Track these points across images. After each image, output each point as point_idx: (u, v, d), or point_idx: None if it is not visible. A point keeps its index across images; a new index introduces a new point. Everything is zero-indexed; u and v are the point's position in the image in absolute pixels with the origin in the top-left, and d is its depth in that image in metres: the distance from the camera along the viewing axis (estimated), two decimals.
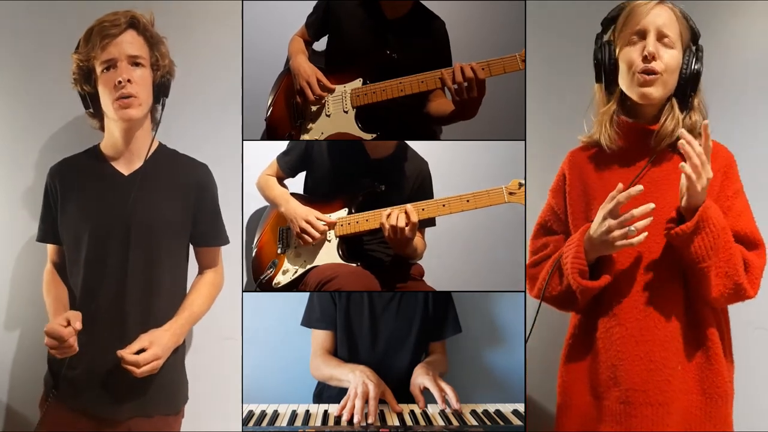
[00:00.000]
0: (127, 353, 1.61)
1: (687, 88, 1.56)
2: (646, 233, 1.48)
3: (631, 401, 1.53)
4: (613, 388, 1.55)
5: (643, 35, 1.56)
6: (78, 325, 1.58)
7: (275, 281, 2.04)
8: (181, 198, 1.76)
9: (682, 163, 1.44)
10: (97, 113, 1.74)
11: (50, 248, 1.81)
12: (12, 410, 2.03)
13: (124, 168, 1.74)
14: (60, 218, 1.73)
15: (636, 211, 1.47)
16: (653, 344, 1.53)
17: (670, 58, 1.55)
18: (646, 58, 1.53)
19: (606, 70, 1.61)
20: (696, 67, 1.56)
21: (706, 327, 1.56)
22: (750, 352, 1.99)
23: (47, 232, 1.79)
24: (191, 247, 1.84)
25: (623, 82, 1.60)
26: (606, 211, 1.50)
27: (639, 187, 1.46)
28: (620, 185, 1.49)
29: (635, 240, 1.48)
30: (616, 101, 1.62)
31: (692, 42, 1.59)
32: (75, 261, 1.71)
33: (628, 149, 1.62)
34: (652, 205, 1.47)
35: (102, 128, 1.76)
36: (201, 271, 1.88)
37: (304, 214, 2.02)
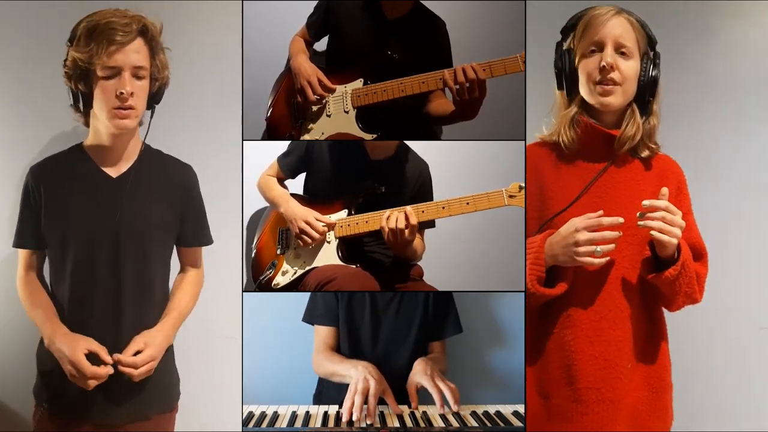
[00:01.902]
0: (124, 356, 1.60)
1: (646, 93, 1.61)
2: (609, 257, 1.54)
3: (584, 399, 1.58)
4: (564, 388, 1.60)
5: (601, 47, 1.59)
6: (110, 360, 1.59)
7: (274, 282, 2.03)
8: (168, 199, 1.75)
9: (652, 231, 1.50)
10: (85, 110, 1.68)
11: (25, 254, 1.74)
12: (7, 409, 2.03)
13: (113, 170, 1.71)
14: (44, 221, 1.69)
15: (605, 220, 1.52)
16: (608, 345, 1.58)
17: (627, 68, 1.59)
18: (605, 69, 1.57)
19: (566, 78, 1.65)
20: (653, 73, 1.61)
21: (655, 324, 1.64)
22: (753, 352, 1.99)
23: (26, 237, 1.72)
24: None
25: (584, 91, 1.63)
26: (582, 225, 1.54)
27: (620, 219, 1.53)
28: (601, 211, 1.54)
29: (597, 261, 1.53)
30: (577, 105, 1.65)
31: (650, 48, 1.63)
32: (61, 266, 1.67)
33: (587, 151, 1.65)
34: (620, 220, 1.52)
35: (86, 124, 1.71)
36: (184, 270, 1.87)
37: (303, 215, 2.02)
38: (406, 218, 1.90)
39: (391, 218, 1.91)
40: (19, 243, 1.74)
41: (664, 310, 1.68)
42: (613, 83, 1.58)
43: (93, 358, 1.60)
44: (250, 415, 1.90)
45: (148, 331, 1.67)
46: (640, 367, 1.61)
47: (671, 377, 1.66)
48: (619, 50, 1.58)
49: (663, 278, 1.54)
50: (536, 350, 1.66)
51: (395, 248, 1.97)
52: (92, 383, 1.57)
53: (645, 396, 1.61)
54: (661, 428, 1.63)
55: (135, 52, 1.62)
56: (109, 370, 1.59)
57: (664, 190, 1.52)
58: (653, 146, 1.64)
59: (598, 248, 1.51)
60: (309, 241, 2.00)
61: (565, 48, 1.66)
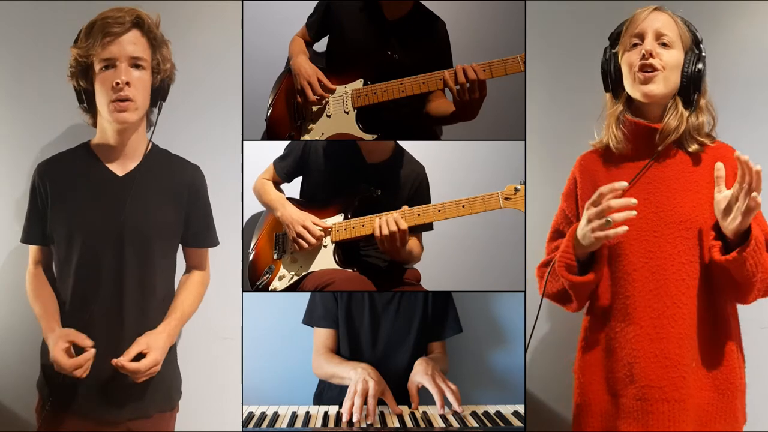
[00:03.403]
0: (126, 362, 1.59)
1: (690, 87, 1.60)
2: (625, 227, 1.49)
3: (648, 398, 1.56)
4: (629, 386, 1.59)
5: (642, 38, 1.61)
6: (88, 344, 1.58)
7: (271, 287, 2.04)
8: (174, 199, 1.75)
9: (754, 194, 1.41)
10: (91, 109, 1.70)
11: (34, 249, 1.77)
12: (5, 411, 2.03)
13: (119, 169, 1.72)
14: (50, 219, 1.70)
15: (614, 202, 1.49)
16: (668, 342, 1.56)
17: (669, 56, 1.59)
18: (644, 56, 1.58)
19: (612, 79, 1.66)
20: (698, 66, 1.60)
21: (720, 324, 1.60)
22: (754, 352, 1.99)
23: (33, 234, 1.74)
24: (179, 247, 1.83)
25: (627, 85, 1.64)
26: (589, 203, 1.53)
27: (623, 184, 1.49)
28: (623, 183, 1.50)
29: (611, 232, 1.49)
30: (623, 103, 1.66)
31: (695, 45, 1.63)
32: (66, 263, 1.68)
33: (635, 149, 1.65)
34: (633, 200, 1.48)
35: (94, 124, 1.73)
36: (189, 271, 1.87)
37: (300, 219, 2.02)
38: (396, 224, 1.90)
39: (382, 225, 1.91)
40: (26, 239, 1.76)
41: (737, 307, 1.64)
42: (653, 69, 1.58)
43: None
44: (251, 415, 1.90)
45: (152, 332, 1.66)
46: (705, 367, 1.58)
47: (743, 380, 1.63)
48: (660, 40, 1.59)
49: (741, 258, 1.46)
50: (605, 348, 1.64)
51: (389, 253, 1.98)
52: (79, 372, 1.57)
53: (711, 397, 1.58)
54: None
55: (131, 43, 1.64)
56: (88, 355, 1.58)
57: (719, 164, 1.50)
58: (702, 140, 1.61)
59: (609, 218, 1.49)
60: (306, 245, 2.00)
61: (612, 52, 1.67)
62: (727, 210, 1.48)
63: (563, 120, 2.09)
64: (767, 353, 2.04)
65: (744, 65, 2.09)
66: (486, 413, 1.91)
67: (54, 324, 1.65)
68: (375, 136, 2.01)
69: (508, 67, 1.91)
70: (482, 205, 1.92)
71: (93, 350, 1.59)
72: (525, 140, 2.09)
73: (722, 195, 1.50)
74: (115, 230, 1.66)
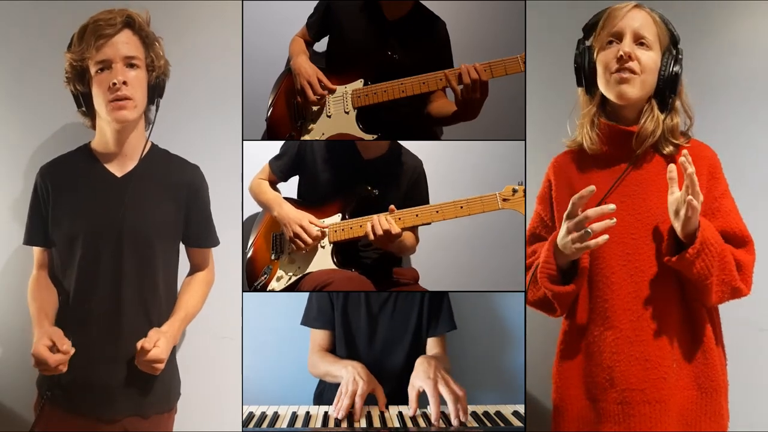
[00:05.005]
0: (149, 344, 1.60)
1: (666, 89, 1.57)
2: (606, 236, 1.48)
3: (629, 401, 1.55)
4: (609, 390, 1.57)
5: (619, 37, 1.57)
6: (66, 348, 1.57)
7: (269, 288, 2.04)
8: (173, 199, 1.75)
9: (690, 197, 1.42)
10: (90, 112, 1.71)
11: (37, 252, 1.78)
12: (5, 411, 2.03)
13: (117, 169, 1.72)
14: (51, 220, 1.71)
15: (590, 212, 1.47)
16: (648, 344, 1.55)
17: (647, 59, 1.56)
18: (622, 58, 1.54)
19: (585, 74, 1.63)
20: (675, 69, 1.57)
21: (699, 324, 1.58)
22: (753, 353, 1.99)
23: (35, 234, 1.75)
24: (182, 247, 1.83)
25: (601, 84, 1.60)
26: (565, 214, 1.51)
27: (591, 188, 1.47)
28: (591, 187, 1.49)
29: (592, 243, 1.48)
30: (597, 104, 1.63)
31: (672, 45, 1.60)
32: (68, 263, 1.69)
33: (610, 151, 1.63)
34: (611, 206, 1.47)
35: (93, 127, 1.74)
36: (192, 271, 1.88)
37: (297, 219, 2.02)
38: (389, 225, 1.91)
39: (375, 226, 1.92)
40: (28, 240, 1.77)
41: (717, 307, 1.62)
42: (631, 72, 1.54)
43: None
44: (251, 415, 1.90)
45: (158, 330, 1.66)
46: (686, 366, 1.57)
47: (725, 377, 1.61)
48: (638, 41, 1.55)
49: (685, 259, 1.46)
50: (585, 353, 1.63)
51: (383, 247, 2.00)
52: (61, 368, 1.56)
53: (694, 396, 1.56)
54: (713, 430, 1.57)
55: (124, 43, 1.65)
56: (65, 355, 1.57)
57: (671, 166, 1.48)
58: (677, 142, 1.59)
59: (589, 229, 1.47)
60: (303, 245, 2.00)
61: (586, 45, 1.64)
62: (677, 212, 1.46)
63: (563, 120, 2.08)
64: (766, 355, 2.04)
65: (739, 65, 2.09)
66: (486, 413, 1.91)
67: (44, 322, 1.64)
68: (375, 137, 2.01)
69: (508, 67, 1.91)
70: (480, 206, 1.92)
71: (72, 350, 1.58)
72: (525, 140, 2.09)
73: (673, 197, 1.48)
74: (115, 231, 1.66)
